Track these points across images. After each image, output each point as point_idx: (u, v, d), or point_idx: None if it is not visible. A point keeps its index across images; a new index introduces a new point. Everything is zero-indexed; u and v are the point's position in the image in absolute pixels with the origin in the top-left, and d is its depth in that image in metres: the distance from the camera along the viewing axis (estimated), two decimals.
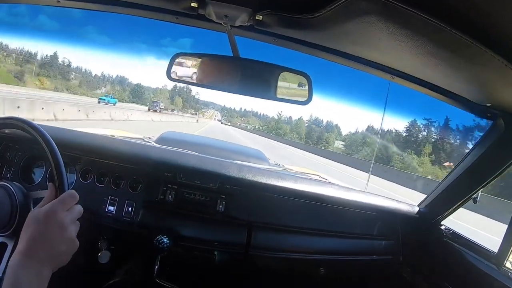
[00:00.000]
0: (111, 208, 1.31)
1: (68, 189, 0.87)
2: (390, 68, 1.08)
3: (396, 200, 1.57)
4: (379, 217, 1.53)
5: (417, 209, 1.53)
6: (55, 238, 0.72)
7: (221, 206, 1.34)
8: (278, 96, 1.02)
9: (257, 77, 1.02)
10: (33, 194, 0.97)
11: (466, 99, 1.10)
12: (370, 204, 1.49)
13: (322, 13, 0.78)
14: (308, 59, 1.24)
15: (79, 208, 0.81)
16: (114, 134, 1.82)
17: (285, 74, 1.01)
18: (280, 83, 1.01)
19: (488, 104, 1.08)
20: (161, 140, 1.90)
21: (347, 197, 1.46)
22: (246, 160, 1.76)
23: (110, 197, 1.31)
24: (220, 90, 1.04)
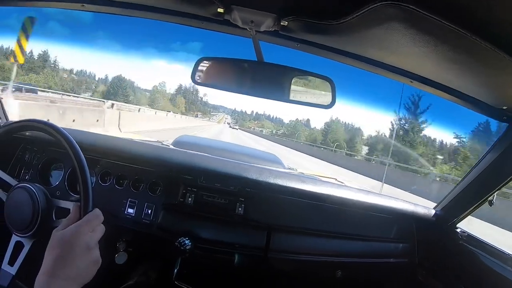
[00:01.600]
0: (130, 210, 1.34)
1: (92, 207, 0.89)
2: (410, 72, 1.13)
3: (413, 203, 1.61)
4: (395, 220, 1.56)
5: (433, 212, 1.56)
6: (81, 260, 0.75)
7: (240, 209, 1.38)
8: (301, 100, 1.07)
9: (279, 81, 1.08)
10: (56, 202, 1.00)
11: (482, 102, 1.15)
12: (386, 206, 1.53)
13: (348, 19, 0.84)
14: (327, 63, 1.29)
15: (102, 229, 0.84)
16: (132, 137, 1.86)
17: (309, 78, 1.07)
18: (303, 88, 1.06)
19: (505, 107, 1.13)
20: (178, 143, 1.94)
21: (364, 199, 1.50)
22: (261, 164, 1.80)
23: (129, 199, 1.35)
24: (244, 94, 1.09)
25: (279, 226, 1.42)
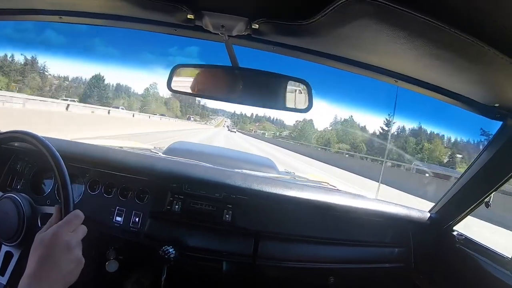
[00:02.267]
0: (118, 218, 1.30)
1: (74, 203, 0.88)
2: (393, 72, 1.05)
3: (407, 207, 1.51)
4: (390, 224, 1.47)
5: (428, 215, 1.47)
6: (62, 260, 0.73)
7: (227, 216, 1.32)
8: (279, 104, 1.00)
9: (256, 86, 1.00)
10: (41, 209, 0.99)
11: (473, 101, 1.05)
12: (380, 211, 1.44)
13: (316, 18, 0.77)
14: (311, 67, 1.22)
15: (83, 229, 0.82)
16: (122, 145, 1.83)
17: (285, 82, 0.99)
18: (280, 92, 0.99)
19: (497, 105, 1.03)
20: (170, 150, 1.90)
21: (356, 204, 1.42)
22: (255, 169, 1.74)
23: (117, 207, 1.31)
24: (220, 100, 1.03)
25: (267, 232, 1.35)
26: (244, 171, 1.60)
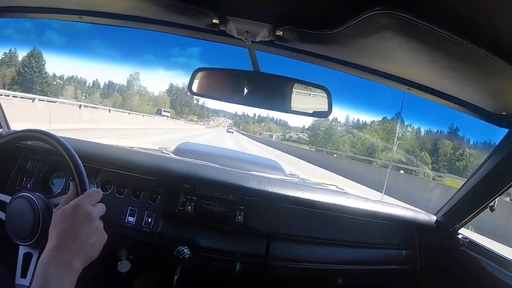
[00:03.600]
0: (131, 218, 1.33)
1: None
2: (407, 80, 1.12)
3: (413, 210, 1.58)
4: (396, 227, 1.54)
5: (434, 218, 1.54)
6: (84, 231, 0.74)
7: (240, 217, 1.36)
8: (298, 109, 1.06)
9: (277, 91, 1.07)
10: (54, 201, 1.00)
11: (481, 109, 1.13)
12: (387, 213, 1.51)
13: (342, 29, 0.83)
14: (325, 72, 1.28)
15: (102, 206, 0.84)
16: (132, 145, 1.87)
17: (305, 87, 1.06)
18: (299, 97, 1.05)
19: (504, 113, 1.11)
20: (178, 151, 1.94)
21: (364, 207, 1.48)
22: (262, 171, 1.79)
23: (130, 208, 1.33)
24: (241, 105, 1.08)
25: (279, 234, 1.40)
26: (253, 172, 1.65)
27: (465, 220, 1.41)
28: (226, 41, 1.12)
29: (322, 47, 1.04)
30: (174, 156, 1.73)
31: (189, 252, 1.25)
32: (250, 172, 1.65)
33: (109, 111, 20.42)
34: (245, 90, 1.07)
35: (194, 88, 1.11)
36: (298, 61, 1.15)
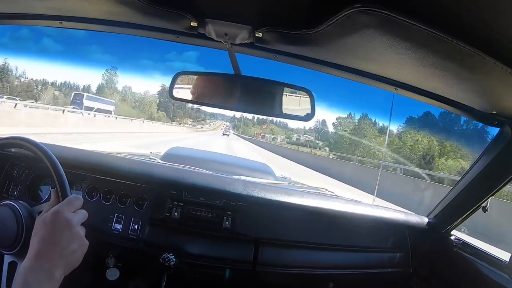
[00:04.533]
0: (117, 226, 1.28)
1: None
2: (393, 80, 1.05)
3: (405, 212, 1.52)
4: (388, 230, 1.48)
5: (426, 220, 1.48)
6: (64, 237, 0.71)
7: (227, 223, 1.31)
8: (281, 112, 1.00)
9: (258, 94, 1.01)
10: (37, 209, 0.96)
11: (471, 108, 1.06)
12: (378, 216, 1.45)
13: (321, 28, 0.77)
14: (311, 74, 1.22)
15: (84, 212, 0.80)
16: (120, 151, 1.81)
17: (287, 90, 0.99)
18: (282, 99, 0.99)
19: (494, 112, 1.05)
20: (167, 156, 1.88)
21: (355, 210, 1.42)
22: (252, 175, 1.73)
23: (116, 214, 1.28)
24: (222, 108, 1.03)
25: (267, 239, 1.34)
26: (242, 177, 1.59)
27: (458, 221, 1.35)
28: (205, 44, 1.06)
29: (304, 48, 0.97)
30: (161, 162, 1.66)
31: (174, 259, 1.20)
32: (238, 177, 1.58)
33: (82, 115, 18.73)
34: (226, 93, 1.01)
35: (175, 92, 1.05)
36: (282, 63, 1.08)
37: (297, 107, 0.99)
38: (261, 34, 0.90)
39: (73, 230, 0.73)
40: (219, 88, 1.02)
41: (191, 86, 1.05)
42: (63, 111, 17.15)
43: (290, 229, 1.37)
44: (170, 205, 1.31)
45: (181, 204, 1.31)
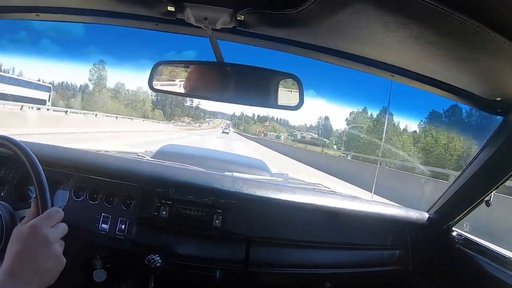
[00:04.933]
0: (104, 226, 1.20)
1: (53, 206, 0.81)
2: (389, 65, 0.95)
3: (404, 208, 1.42)
4: (387, 226, 1.38)
5: (426, 215, 1.38)
6: (40, 255, 0.67)
7: (217, 221, 1.22)
8: (267, 101, 0.90)
9: (243, 82, 0.91)
10: (20, 213, 0.92)
11: (473, 94, 0.96)
12: (376, 213, 1.35)
13: (306, 6, 0.68)
14: (305, 62, 1.12)
15: (64, 226, 0.75)
16: (108, 149, 1.73)
17: (274, 77, 0.90)
18: (269, 88, 0.89)
19: (498, 99, 0.95)
20: (159, 154, 1.79)
21: (352, 207, 1.32)
22: (247, 171, 1.64)
23: (103, 214, 1.21)
24: (205, 99, 0.93)
25: (259, 238, 1.25)
26: (235, 174, 1.50)
27: (459, 216, 1.25)
28: (186, 31, 0.97)
29: (289, 31, 0.87)
30: (149, 159, 1.57)
31: (160, 260, 1.12)
32: (230, 173, 1.50)
33: (66, 113, 15.82)
34: (209, 83, 0.92)
35: (155, 84, 0.96)
36: (269, 51, 0.99)
37: (286, 95, 0.90)
38: (243, 16, 0.81)
39: (50, 247, 0.69)
40: (201, 77, 0.93)
41: (172, 77, 0.96)
42: None
43: (283, 227, 1.27)
44: (158, 204, 1.22)
45: (169, 202, 1.22)
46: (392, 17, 0.64)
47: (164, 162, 1.48)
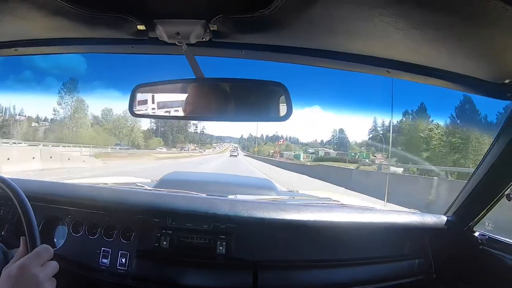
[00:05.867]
0: (104, 260, 1.11)
1: (40, 243, 0.77)
2: (383, 59, 0.82)
3: (420, 213, 1.26)
4: (403, 235, 1.22)
5: (444, 218, 1.21)
6: None
7: (221, 248, 1.09)
8: (255, 114, 0.79)
9: (226, 97, 0.80)
10: (13, 252, 0.85)
11: (478, 80, 0.82)
12: (390, 222, 1.20)
13: (277, 3, 0.57)
14: (300, 72, 0.99)
15: (54, 264, 0.71)
16: (107, 181, 1.62)
17: (259, 88, 0.79)
18: (255, 99, 0.78)
19: (507, 81, 0.81)
20: (162, 182, 1.65)
21: (363, 219, 1.17)
22: (251, 192, 1.49)
23: (103, 248, 1.12)
24: (190, 120, 0.82)
25: (267, 261, 1.11)
26: (239, 196, 1.37)
27: (480, 215, 1.10)
28: (161, 50, 0.88)
29: (270, 35, 0.75)
30: (149, 188, 1.45)
31: None
32: (233, 196, 1.37)
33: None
34: (191, 101, 0.81)
35: (136, 109, 0.86)
36: (251, 60, 0.88)
37: (275, 105, 0.78)
38: (216, 26, 0.71)
39: (40, 287, 0.64)
40: (182, 96, 0.82)
41: (153, 99, 0.86)
42: None
43: (291, 247, 1.13)
44: (158, 234, 1.11)
45: (170, 232, 1.11)
46: None
47: (162, 191, 1.36)
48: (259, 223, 1.10)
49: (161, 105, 0.85)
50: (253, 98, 0.78)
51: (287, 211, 1.14)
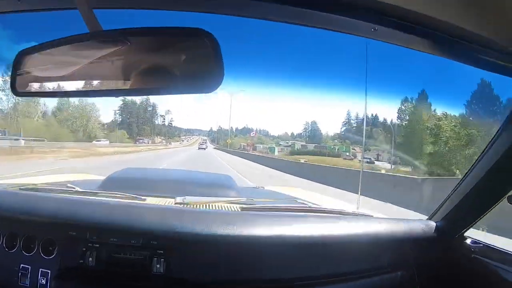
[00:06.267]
0: (24, 280, 0.91)
1: None
2: (370, 9, 0.57)
3: (404, 219, 1.06)
4: (384, 244, 1.01)
5: (433, 224, 1.01)
6: None
7: (158, 266, 0.85)
8: (166, 83, 0.52)
9: (129, 56, 0.53)
10: None
11: (494, 43, 0.59)
12: (370, 230, 0.98)
13: None
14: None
15: None
16: (36, 182, 1.32)
17: (174, 40, 0.51)
18: (172, 59, 0.52)
19: None
20: (108, 182, 1.36)
21: (335, 228, 0.95)
22: (206, 193, 1.23)
23: (21, 265, 0.91)
24: (86, 96, 0.57)
25: (219, 283, 0.89)
26: (188, 198, 1.11)
27: (474, 220, 0.92)
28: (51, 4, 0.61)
29: None
30: (79, 190, 1.15)
31: None
32: (184, 197, 1.10)
33: None
34: (83, 66, 0.55)
35: (20, 85, 0.60)
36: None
37: (198, 68, 0.51)
38: None
39: None
40: (78, 61, 0.56)
41: (43, 69, 0.59)
42: None
43: (246, 265, 0.90)
44: (84, 248, 0.87)
45: (97, 245, 0.87)
46: None
47: (87, 197, 1.08)
48: (202, 239, 0.86)
49: (52, 76, 0.59)
50: (171, 55, 0.51)
51: (241, 219, 0.90)
